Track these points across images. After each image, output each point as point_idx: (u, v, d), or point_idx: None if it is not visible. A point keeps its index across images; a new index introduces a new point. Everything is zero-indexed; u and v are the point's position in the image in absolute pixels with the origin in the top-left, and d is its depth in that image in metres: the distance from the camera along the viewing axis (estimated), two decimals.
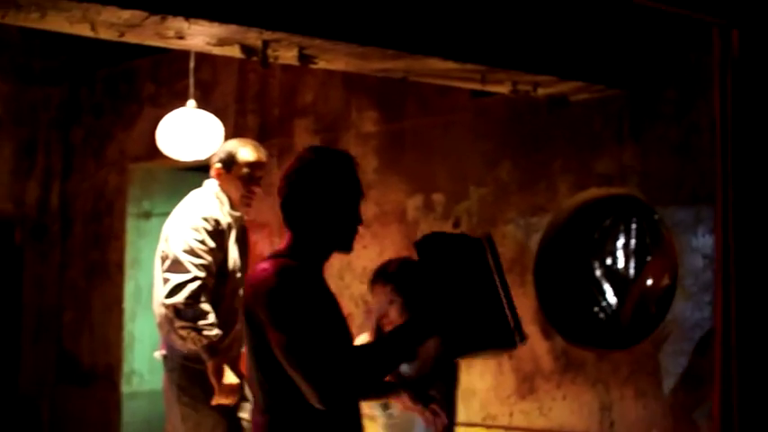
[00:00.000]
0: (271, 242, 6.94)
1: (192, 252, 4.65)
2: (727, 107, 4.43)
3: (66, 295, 8.74)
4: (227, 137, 6.28)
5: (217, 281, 4.75)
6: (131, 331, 8.24)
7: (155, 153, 6.67)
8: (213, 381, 4.67)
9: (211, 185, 4.92)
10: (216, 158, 4.94)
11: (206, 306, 4.63)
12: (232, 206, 4.90)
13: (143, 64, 8.09)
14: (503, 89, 5.25)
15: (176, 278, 4.63)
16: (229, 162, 4.88)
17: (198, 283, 4.62)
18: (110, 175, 8.40)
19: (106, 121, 8.46)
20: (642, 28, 5.20)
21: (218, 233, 4.75)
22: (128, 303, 8.22)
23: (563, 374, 5.51)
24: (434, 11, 4.53)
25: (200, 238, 4.69)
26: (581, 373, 5.47)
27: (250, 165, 4.89)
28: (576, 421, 5.46)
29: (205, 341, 4.61)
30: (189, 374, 4.77)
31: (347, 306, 6.50)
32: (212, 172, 4.93)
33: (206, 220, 4.74)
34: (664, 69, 5.21)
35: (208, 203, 4.83)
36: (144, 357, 8.23)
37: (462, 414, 5.84)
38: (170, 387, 4.86)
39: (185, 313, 4.60)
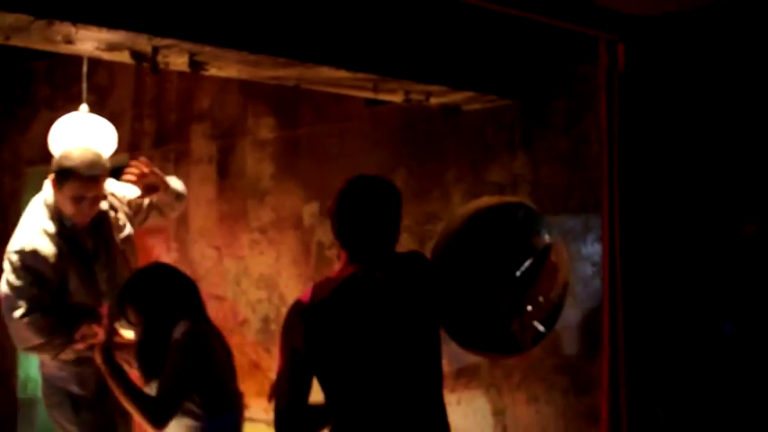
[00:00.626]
0: (168, 247, 6.89)
1: (14, 289, 4.41)
2: (614, 119, 4.54)
3: None
4: (124, 141, 6.26)
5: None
6: None
7: (51, 156, 6.59)
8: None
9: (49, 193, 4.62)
10: (52, 167, 4.54)
11: (55, 331, 4.41)
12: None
13: (38, 66, 7.98)
14: (396, 98, 5.28)
15: (14, 316, 4.39)
16: (61, 177, 4.47)
17: (35, 314, 4.38)
18: (4, 179, 8.27)
19: (1, 125, 8.32)
20: (533, 40, 5.27)
21: (38, 263, 4.43)
22: None
23: (457, 379, 5.55)
24: (326, 19, 4.53)
25: (18, 275, 4.40)
26: (475, 377, 5.52)
27: (79, 187, 4.46)
28: (469, 425, 5.51)
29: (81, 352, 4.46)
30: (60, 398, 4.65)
31: (244, 311, 6.49)
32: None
33: (19, 252, 4.44)
34: (554, 80, 5.29)
35: (30, 227, 4.53)
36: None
37: None
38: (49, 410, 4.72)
39: (44, 346, 4.45)
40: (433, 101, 5.31)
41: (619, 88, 4.56)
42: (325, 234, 6.12)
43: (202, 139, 6.85)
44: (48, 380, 4.63)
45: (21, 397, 8.10)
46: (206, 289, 6.65)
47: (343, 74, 4.67)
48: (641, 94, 4.58)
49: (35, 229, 4.51)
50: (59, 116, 5.64)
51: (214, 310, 6.60)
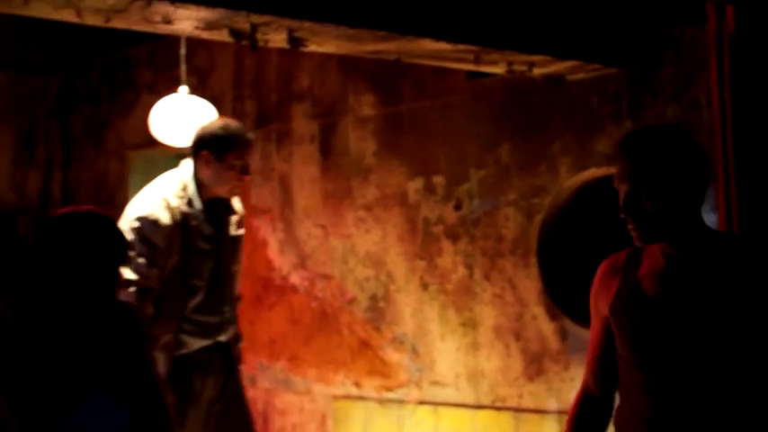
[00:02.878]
0: (273, 227, 6.89)
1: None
2: (725, 84, 4.38)
3: None
4: None
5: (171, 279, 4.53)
6: None
7: (154, 141, 6.62)
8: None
9: (186, 169, 4.70)
10: (201, 143, 4.64)
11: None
12: (207, 194, 4.66)
13: (139, 51, 8.04)
14: (498, 70, 5.17)
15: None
16: (222, 149, 4.60)
17: (132, 288, 4.41)
18: (110, 164, 8.36)
19: (104, 110, 8.42)
20: (636, 4, 5.13)
21: (155, 233, 4.49)
22: None
23: (571, 355, 5.45)
24: None
25: (131, 240, 4.41)
26: None
27: (242, 153, 4.62)
28: None
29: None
30: None
31: (351, 290, 6.46)
32: (192, 155, 4.66)
33: (139, 219, 4.51)
34: (660, 46, 5.12)
35: (153, 197, 4.58)
36: None
37: (471, 396, 5.83)
38: None
39: None
40: (536, 71, 5.20)
41: (729, 52, 4.39)
42: (430, 210, 6.06)
43: (303, 119, 6.82)
44: None
45: None
46: (313, 268, 6.66)
47: (443, 46, 4.59)
48: (753, 57, 4.41)
49: (159, 200, 4.55)
50: (160, 100, 5.67)
51: (322, 289, 6.60)
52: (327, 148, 6.67)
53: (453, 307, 5.97)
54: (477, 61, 4.90)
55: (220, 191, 4.65)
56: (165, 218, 4.51)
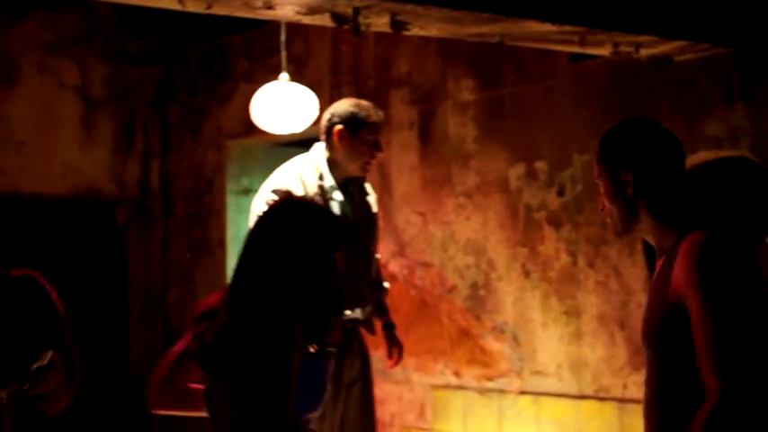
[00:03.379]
0: None
1: None
2: None
3: (170, 274, 8.80)
4: (323, 110, 6.22)
5: None
6: None
7: (251, 130, 6.64)
8: None
9: (317, 152, 4.71)
10: (335, 119, 4.66)
11: None
12: (339, 174, 4.68)
13: (235, 40, 8.08)
14: (603, 51, 5.06)
15: None
16: (355, 124, 4.63)
17: None
18: (207, 153, 8.41)
19: (201, 99, 8.48)
20: None
21: None
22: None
23: None
24: None
25: None
26: None
27: (375, 127, 4.68)
28: None
29: None
30: None
31: (451, 278, 6.39)
32: (324, 136, 4.67)
33: (275, 192, 4.53)
34: None
35: (287, 173, 4.62)
36: None
37: (574, 386, 5.73)
38: None
39: None
40: (643, 52, 5.07)
41: None
42: (532, 196, 5.97)
43: (402, 105, 6.77)
44: None
45: None
46: (412, 256, 6.61)
47: (548, 27, 4.51)
48: None
49: (294, 175, 4.60)
50: (258, 89, 5.66)
51: (421, 278, 6.55)
52: (426, 135, 6.61)
53: (556, 295, 5.88)
54: (582, 43, 4.80)
55: (353, 167, 4.68)
56: (299, 191, 4.56)
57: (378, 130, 4.70)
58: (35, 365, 3.13)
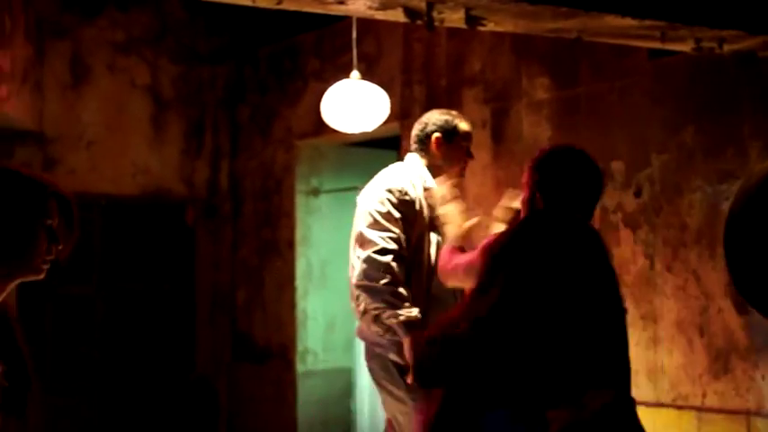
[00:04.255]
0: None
1: (376, 224, 4.50)
2: None
3: (238, 274, 8.78)
4: (394, 109, 6.14)
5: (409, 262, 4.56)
6: (304, 309, 8.23)
7: (321, 129, 6.58)
8: (408, 356, 4.41)
9: (412, 160, 4.80)
10: (431, 128, 4.78)
11: (400, 284, 4.45)
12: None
13: (306, 39, 8.05)
14: (685, 47, 4.90)
15: (365, 254, 4.47)
16: (451, 132, 4.75)
17: (389, 256, 4.45)
18: (277, 153, 8.39)
19: (271, 99, 8.45)
20: None
21: (405, 204, 4.57)
22: (299, 281, 8.21)
23: (761, 353, 5.15)
24: None
25: (384, 210, 4.53)
26: None
27: (468, 135, 4.82)
28: None
29: (403, 318, 4.39)
30: (383, 364, 4.61)
31: None
32: (420, 144, 4.79)
33: (390, 191, 4.58)
34: None
35: (397, 175, 4.69)
36: (317, 336, 8.23)
37: (651, 394, 5.59)
38: (370, 376, 4.75)
39: (379, 291, 4.42)
40: (726, 48, 4.90)
41: None
42: (609, 197, 5.84)
43: (474, 104, 6.68)
44: (368, 346, 4.70)
45: (299, 370, 8.19)
46: None
47: (629, 22, 4.36)
48: None
49: (405, 177, 4.69)
50: (328, 88, 5.59)
51: None
52: (499, 134, 6.50)
53: (632, 299, 5.73)
54: (663, 38, 4.64)
55: (450, 173, 4.77)
56: (411, 191, 4.65)
57: (470, 137, 4.85)
58: None
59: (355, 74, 5.47)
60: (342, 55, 7.02)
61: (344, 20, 5.78)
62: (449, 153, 4.77)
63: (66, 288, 8.15)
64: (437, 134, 4.75)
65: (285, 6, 4.03)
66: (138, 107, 8.51)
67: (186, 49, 8.73)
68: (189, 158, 8.73)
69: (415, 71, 7.12)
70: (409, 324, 4.39)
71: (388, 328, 4.49)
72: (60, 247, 2.78)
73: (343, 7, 4.05)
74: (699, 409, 5.42)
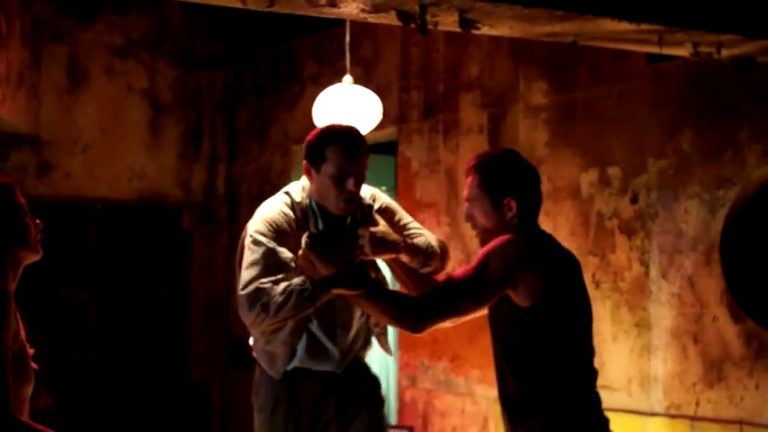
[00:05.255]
0: (438, 221, 6.74)
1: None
2: None
3: (234, 280, 8.74)
4: (392, 114, 6.13)
5: None
6: None
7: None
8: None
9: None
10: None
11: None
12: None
13: (303, 44, 8.05)
14: (682, 52, 4.87)
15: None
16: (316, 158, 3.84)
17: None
18: (274, 158, 8.38)
19: (269, 103, 8.44)
20: None
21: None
22: None
23: (755, 361, 5.12)
24: None
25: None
26: None
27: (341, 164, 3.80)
28: None
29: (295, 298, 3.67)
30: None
31: None
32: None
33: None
34: None
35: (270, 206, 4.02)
36: None
37: (644, 403, 5.55)
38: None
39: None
40: (725, 53, 4.87)
41: None
42: (605, 204, 5.82)
43: (472, 108, 6.67)
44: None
45: None
46: None
47: (625, 26, 4.34)
48: None
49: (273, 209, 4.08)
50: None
51: None
52: (496, 139, 6.50)
53: (627, 306, 5.71)
54: (660, 43, 4.62)
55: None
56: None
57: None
58: None
59: (348, 78, 5.45)
60: (339, 59, 7.01)
61: (342, 24, 5.77)
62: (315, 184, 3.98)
63: (61, 292, 8.13)
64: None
65: (277, 9, 4.01)
66: (136, 111, 8.50)
67: (184, 53, 8.72)
68: (186, 163, 8.71)
69: (412, 76, 7.11)
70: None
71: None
72: (38, 221, 3.12)
73: (335, 10, 4.02)
74: (692, 419, 5.39)
